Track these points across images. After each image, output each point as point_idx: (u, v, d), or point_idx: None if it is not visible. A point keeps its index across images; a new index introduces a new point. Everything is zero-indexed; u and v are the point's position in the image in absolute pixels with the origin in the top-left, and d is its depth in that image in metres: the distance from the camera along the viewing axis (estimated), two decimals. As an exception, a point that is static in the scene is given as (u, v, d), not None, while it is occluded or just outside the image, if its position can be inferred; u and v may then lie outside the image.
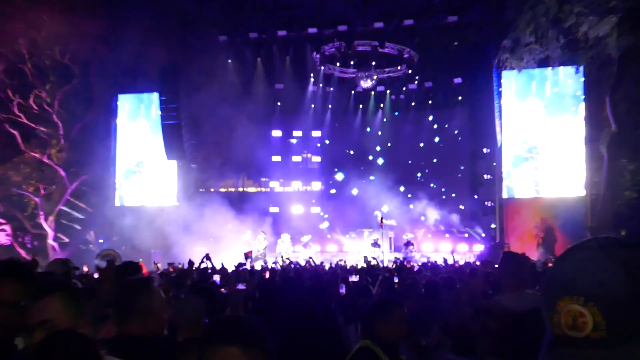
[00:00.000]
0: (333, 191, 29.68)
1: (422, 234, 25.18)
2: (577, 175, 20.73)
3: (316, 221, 28.08)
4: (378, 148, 29.51)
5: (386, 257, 20.05)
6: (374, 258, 15.93)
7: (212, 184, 27.21)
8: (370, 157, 29.64)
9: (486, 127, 23.05)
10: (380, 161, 29.47)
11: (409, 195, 26.95)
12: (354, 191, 27.77)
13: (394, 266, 12.32)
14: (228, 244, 21.25)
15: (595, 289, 1.25)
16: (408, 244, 21.73)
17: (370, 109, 29.20)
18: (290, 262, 14.71)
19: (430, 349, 4.10)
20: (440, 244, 24.28)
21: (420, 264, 14.45)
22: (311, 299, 6.42)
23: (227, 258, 16.29)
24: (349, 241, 25.04)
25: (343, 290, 7.34)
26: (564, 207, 20.33)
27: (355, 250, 23.36)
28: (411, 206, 26.62)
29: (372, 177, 28.18)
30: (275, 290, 6.82)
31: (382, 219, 20.38)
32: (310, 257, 15.14)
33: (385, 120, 29.26)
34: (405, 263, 13.64)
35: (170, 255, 20.58)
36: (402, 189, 27.22)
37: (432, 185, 28.47)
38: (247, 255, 13.43)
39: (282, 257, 17.45)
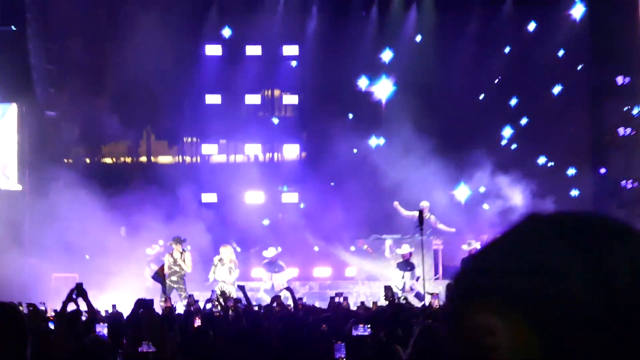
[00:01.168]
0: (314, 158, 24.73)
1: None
2: None
3: (290, 219, 23.74)
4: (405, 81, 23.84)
5: (427, 288, 17.85)
6: (404, 290, 14.77)
7: (87, 149, 24.23)
8: (383, 98, 23.71)
9: (623, 39, 20.53)
10: (411, 107, 22.83)
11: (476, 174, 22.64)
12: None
13: (438, 304, 11.92)
14: (121, 265, 19.39)
15: (527, 289, 1.05)
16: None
17: (395, 6, 23.17)
18: (237, 301, 12.85)
19: None
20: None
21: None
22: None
23: (121, 293, 16.03)
24: (355, 258, 22.15)
25: (341, 355, 6.76)
26: None
27: (369, 273, 21.47)
28: (482, 189, 22.55)
29: (382, 141, 23.89)
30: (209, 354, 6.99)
31: (422, 213, 16.43)
32: (285, 289, 14.36)
33: (421, 27, 23.38)
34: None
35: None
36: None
37: (512, 148, 23.23)
38: (158, 277, 10.24)
39: (218, 292, 13.99)
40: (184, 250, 19.20)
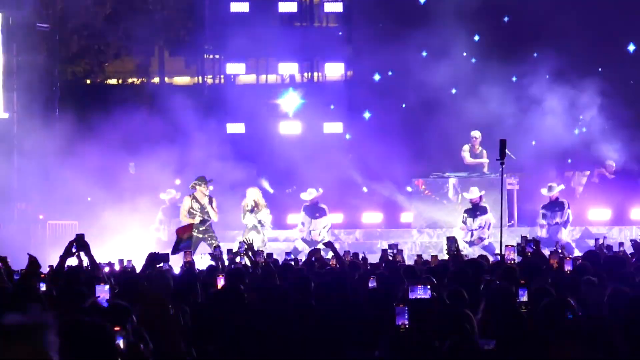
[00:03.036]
0: (376, 78, 25.55)
1: (580, 182, 23.87)
2: None
3: (334, 154, 24.30)
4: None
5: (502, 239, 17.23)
6: (472, 242, 16.28)
7: (87, 69, 24.65)
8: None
9: None
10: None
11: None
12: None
13: (513, 258, 11.42)
14: (130, 210, 20.11)
15: None
16: (556, 204, 20.12)
17: None
18: (267, 257, 13.56)
19: None
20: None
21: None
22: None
23: (133, 246, 16.92)
24: (413, 201, 23.16)
25: (404, 322, 6.81)
26: None
27: (429, 219, 22.15)
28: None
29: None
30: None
31: (503, 151, 16.57)
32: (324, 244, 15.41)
33: None
34: (551, 252, 12.84)
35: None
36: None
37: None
38: (181, 237, 11.80)
39: (246, 243, 13.71)
40: (210, 195, 18.98)
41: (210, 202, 18.73)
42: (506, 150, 19.66)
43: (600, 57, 24.41)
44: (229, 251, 14.12)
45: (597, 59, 24.53)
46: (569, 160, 24.53)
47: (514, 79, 24.56)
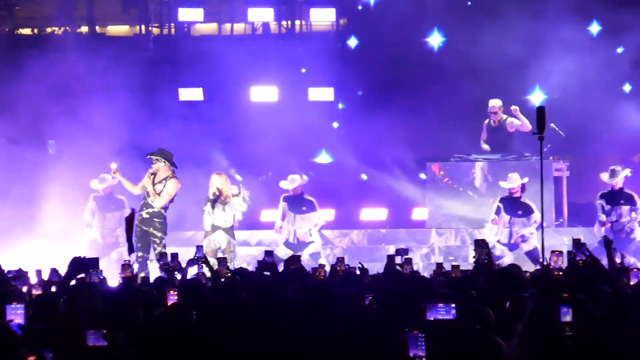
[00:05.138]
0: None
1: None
2: None
3: (322, 129, 25.34)
4: None
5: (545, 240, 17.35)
6: (510, 245, 18.35)
7: None
8: None
9: None
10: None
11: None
12: None
13: (561, 268, 12.43)
14: (50, 205, 20.82)
15: None
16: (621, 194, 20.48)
17: None
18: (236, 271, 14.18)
19: None
20: None
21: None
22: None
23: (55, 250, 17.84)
24: (427, 192, 23.20)
25: (419, 354, 7.04)
26: None
27: (449, 216, 22.43)
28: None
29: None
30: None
31: (542, 122, 16.75)
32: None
33: None
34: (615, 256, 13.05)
35: None
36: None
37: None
38: (129, 222, 11.62)
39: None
40: (172, 174, 18.83)
41: (164, 184, 18.68)
42: (552, 125, 19.91)
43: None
44: (190, 261, 14.28)
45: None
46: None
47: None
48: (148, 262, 17.80)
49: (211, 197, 19.45)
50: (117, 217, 20.13)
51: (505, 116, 21.69)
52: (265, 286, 10.95)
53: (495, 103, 22.08)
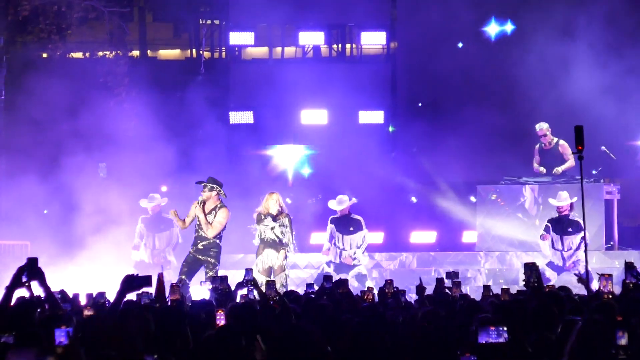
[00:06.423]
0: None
1: None
2: None
3: (372, 152, 24.95)
4: None
5: (595, 263, 19.22)
6: (562, 269, 18.49)
7: (41, 38, 25.21)
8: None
9: None
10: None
11: None
12: None
13: (611, 291, 11.20)
14: (101, 226, 20.91)
15: None
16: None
17: None
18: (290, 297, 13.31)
19: None
20: None
21: None
22: None
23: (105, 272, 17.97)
24: (478, 214, 23.15)
25: None
26: None
27: (500, 238, 22.35)
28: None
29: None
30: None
31: (580, 139, 17.58)
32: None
33: None
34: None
35: None
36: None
37: None
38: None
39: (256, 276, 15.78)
40: (220, 203, 18.56)
41: (215, 213, 18.45)
42: (603, 147, 19.76)
43: None
44: (239, 284, 14.13)
45: None
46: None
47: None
48: (188, 285, 17.67)
49: (269, 210, 19.36)
50: (167, 237, 20.30)
51: (556, 139, 21.54)
52: (321, 310, 10.94)
53: (542, 126, 22.11)
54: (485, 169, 23.85)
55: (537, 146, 22.38)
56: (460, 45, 25.47)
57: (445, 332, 9.27)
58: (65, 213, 20.95)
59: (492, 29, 25.54)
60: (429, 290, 14.80)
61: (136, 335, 7.92)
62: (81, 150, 21.37)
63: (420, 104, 25.57)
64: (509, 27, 26.13)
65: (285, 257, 18.98)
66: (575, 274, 18.64)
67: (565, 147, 21.63)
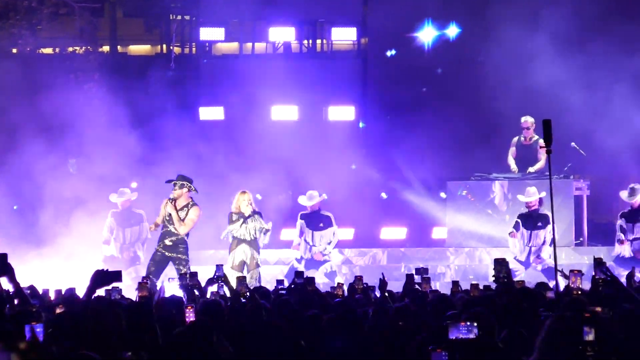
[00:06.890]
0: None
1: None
2: None
3: (341, 147, 25.02)
4: None
5: (564, 260, 19.10)
6: (527, 264, 18.68)
7: (15, 30, 25.62)
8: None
9: None
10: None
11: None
12: None
13: (580, 287, 11.76)
14: (70, 224, 21.06)
15: None
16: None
17: None
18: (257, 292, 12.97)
19: None
20: None
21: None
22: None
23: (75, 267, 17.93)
24: (448, 210, 23.44)
25: None
26: None
27: (470, 234, 22.49)
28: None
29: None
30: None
31: (548, 134, 17.14)
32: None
33: None
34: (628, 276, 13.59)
35: None
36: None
37: None
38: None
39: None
40: (192, 201, 18.83)
41: (187, 211, 18.68)
42: (573, 144, 19.81)
43: None
44: (210, 280, 14.09)
45: None
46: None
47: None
48: (156, 283, 17.66)
49: (240, 209, 19.22)
50: (137, 232, 20.37)
51: (537, 136, 21.56)
52: (286, 306, 10.95)
53: (527, 119, 22.11)
54: (455, 165, 23.87)
55: (516, 139, 22.50)
56: (428, 42, 25.53)
57: (417, 328, 9.31)
58: (35, 208, 20.90)
59: (452, 31, 25.45)
60: (398, 286, 14.86)
61: (111, 331, 7.94)
62: (50, 145, 21.27)
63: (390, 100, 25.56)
64: (453, 29, 25.70)
65: (267, 231, 19.20)
66: (558, 271, 18.74)
67: (542, 145, 21.46)
